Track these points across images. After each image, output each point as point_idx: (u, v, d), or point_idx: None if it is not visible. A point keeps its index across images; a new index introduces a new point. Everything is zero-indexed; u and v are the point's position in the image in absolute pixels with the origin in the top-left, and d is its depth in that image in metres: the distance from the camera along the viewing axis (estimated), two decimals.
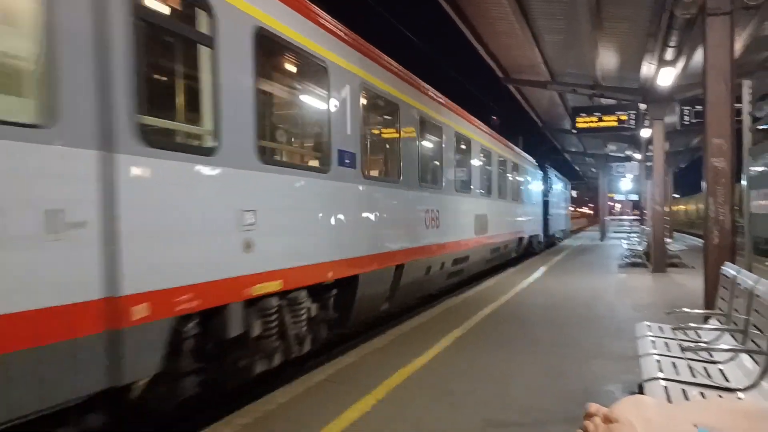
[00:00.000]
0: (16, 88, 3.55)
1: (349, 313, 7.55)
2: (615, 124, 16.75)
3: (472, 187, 13.86)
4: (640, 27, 12.03)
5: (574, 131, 17.91)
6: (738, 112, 7.21)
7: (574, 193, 52.99)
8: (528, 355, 6.68)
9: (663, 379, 3.61)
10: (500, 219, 16.83)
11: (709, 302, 6.61)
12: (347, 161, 7.25)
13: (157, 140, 4.34)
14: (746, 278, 4.30)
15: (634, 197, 40.39)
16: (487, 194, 15.44)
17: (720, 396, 3.39)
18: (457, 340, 7.42)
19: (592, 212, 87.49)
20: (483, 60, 15.49)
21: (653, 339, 4.72)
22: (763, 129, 6.77)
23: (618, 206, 55.20)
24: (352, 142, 7.41)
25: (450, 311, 9.68)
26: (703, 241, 7.57)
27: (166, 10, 4.82)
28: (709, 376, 3.82)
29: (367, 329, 9.06)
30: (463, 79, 24.00)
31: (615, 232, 33.71)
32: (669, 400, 3.24)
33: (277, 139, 6.69)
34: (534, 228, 23.28)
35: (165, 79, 5.08)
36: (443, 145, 11.52)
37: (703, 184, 7.31)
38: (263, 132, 5.78)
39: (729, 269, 5.04)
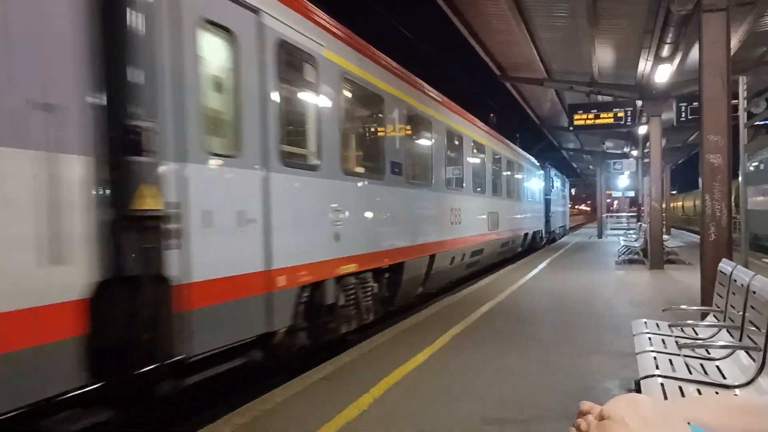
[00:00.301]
0: (223, 133, 5.33)
1: (396, 292, 9.27)
2: (612, 121, 16.75)
3: (486, 188, 15.70)
4: (637, 23, 12.03)
5: (571, 128, 17.91)
6: (734, 109, 7.23)
7: (572, 191, 54.82)
8: (526, 351, 6.69)
9: (660, 376, 3.62)
10: (509, 216, 18.58)
11: (706, 299, 6.63)
12: (396, 170, 9.16)
13: (289, 162, 6.16)
14: (742, 274, 4.31)
15: (631, 194, 40.45)
16: (498, 194, 17.13)
17: (717, 393, 3.40)
18: (455, 338, 7.42)
19: (589, 209, 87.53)
20: (480, 58, 15.49)
21: (650, 336, 4.72)
22: (758, 125, 6.78)
23: (616, 203, 55.30)
24: (400, 155, 9.37)
25: (448, 309, 9.69)
26: (700, 237, 7.59)
27: (294, 71, 6.55)
28: (705, 372, 3.83)
29: (365, 328, 9.06)
30: (462, 78, 24.09)
31: (612, 228, 33.75)
32: (665, 397, 3.25)
33: (351, 157, 8.25)
34: (537, 225, 24.90)
35: (292, 119, 6.68)
36: (463, 152, 13.44)
37: (700, 181, 7.32)
38: (345, 152, 7.65)
39: (725, 266, 5.05)
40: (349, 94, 7.79)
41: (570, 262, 18.13)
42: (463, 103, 14.08)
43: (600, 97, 18.13)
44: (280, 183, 5.81)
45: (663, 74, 13.28)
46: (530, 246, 23.38)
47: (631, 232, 25.29)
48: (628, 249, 18.65)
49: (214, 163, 5.02)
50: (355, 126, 8.49)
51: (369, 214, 8.15)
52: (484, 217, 15.21)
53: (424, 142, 11.02)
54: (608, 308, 9.55)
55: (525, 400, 4.95)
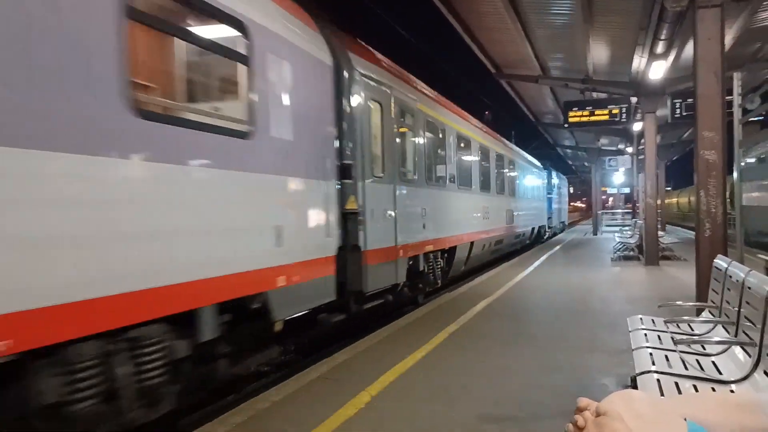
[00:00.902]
0: (377, 164, 8.35)
1: (451, 268, 12.47)
2: (607, 117, 16.77)
3: (505, 190, 19.04)
4: (631, 20, 12.04)
5: (566, 126, 17.93)
6: (729, 105, 7.24)
7: (570, 189, 57.28)
8: (522, 349, 6.70)
9: (656, 372, 3.62)
10: (521, 213, 21.80)
11: (702, 295, 6.64)
12: (451, 179, 12.75)
13: (403, 178, 9.47)
14: (737, 270, 4.31)
15: (626, 191, 40.55)
16: (512, 195, 20.38)
17: (713, 389, 3.40)
18: (452, 336, 7.43)
19: (584, 206, 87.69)
20: (475, 56, 15.49)
21: (646, 332, 4.73)
22: (753, 121, 6.79)
23: (611, 200, 55.45)
24: (454, 168, 12.95)
25: (444, 307, 9.70)
26: (695, 233, 7.60)
27: (404, 120, 9.82)
28: (701, 368, 3.84)
29: (361, 327, 9.06)
30: (457, 75, 24.45)
31: (608, 225, 33.79)
32: (662, 393, 3.25)
33: (429, 171, 11.22)
34: (542, 220, 28.67)
35: (402, 150, 9.83)
36: (491, 162, 16.93)
37: (695, 177, 7.33)
38: (426, 169, 10.85)
39: (721, 261, 5.06)
40: (428, 130, 11.16)
41: (565, 259, 18.16)
42: (459, 101, 14.26)
43: (595, 94, 18.16)
44: (400, 191, 9.13)
45: (657, 71, 13.31)
46: (536, 238, 26.78)
47: (626, 228, 25.38)
48: (624, 245, 18.69)
49: (374, 182, 8.15)
50: (430, 150, 11.51)
51: (438, 211, 11.29)
52: (504, 214, 18.60)
53: (466, 157, 14.32)
54: (604, 305, 9.56)
55: (522, 398, 4.95)
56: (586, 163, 41.42)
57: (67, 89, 3.51)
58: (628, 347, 4.75)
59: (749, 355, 3.60)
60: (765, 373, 3.25)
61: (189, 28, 5.13)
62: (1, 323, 3.08)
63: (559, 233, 35.47)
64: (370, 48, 9.33)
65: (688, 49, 11.87)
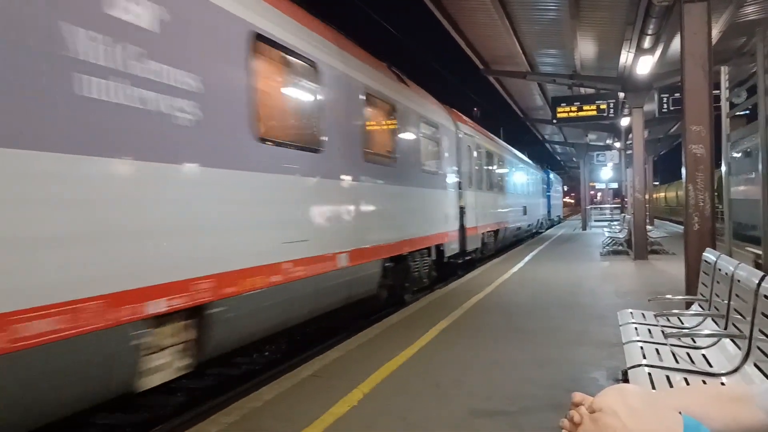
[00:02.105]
0: (468, 179, 15.10)
1: (495, 244, 19.07)
2: (594, 113, 16.83)
3: (521, 190, 26.25)
4: (618, 15, 12.08)
5: (555, 121, 17.98)
6: (716, 99, 7.28)
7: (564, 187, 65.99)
8: (513, 343, 6.72)
9: (647, 365, 3.63)
10: (530, 208, 28.72)
11: (691, 288, 6.68)
12: (495, 185, 19.48)
13: (477, 188, 16.19)
14: (726, 263, 4.34)
15: (615, 185, 40.78)
16: (524, 194, 27.14)
17: (703, 381, 3.42)
18: (443, 331, 7.43)
19: (573, 201, 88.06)
20: (463, 52, 15.50)
21: (636, 326, 4.75)
22: (739, 115, 6.83)
23: (600, 195, 55.69)
24: (496, 177, 19.80)
25: (436, 303, 9.71)
26: (683, 227, 7.65)
27: (467, 146, 15.38)
28: (692, 361, 3.86)
29: (353, 322, 9.05)
30: (446, 73, 25.19)
31: (596, 220, 33.98)
32: (653, 386, 3.27)
33: (484, 181, 17.53)
34: (543, 214, 36.46)
35: (472, 167, 15.89)
36: (512, 170, 23.89)
37: (683, 171, 7.37)
38: (484, 180, 17.45)
39: (709, 255, 5.09)
40: (486, 157, 18.05)
41: (555, 254, 18.24)
42: (446, 98, 14.51)
43: (583, 90, 18.21)
44: (477, 195, 15.77)
45: (645, 66, 13.36)
46: (538, 229, 33.40)
47: (615, 223, 25.55)
48: (613, 240, 18.79)
49: (467, 190, 14.67)
50: (486, 169, 17.98)
51: (490, 207, 17.90)
52: (521, 209, 25.32)
53: (502, 170, 21.21)
54: (594, 299, 9.61)
55: (513, 392, 4.96)
56: (574, 159, 41.62)
57: (229, 130, 5.42)
58: (618, 340, 4.77)
59: (739, 348, 3.63)
60: (755, 365, 3.28)
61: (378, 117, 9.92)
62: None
63: (556, 224, 43.35)
64: (464, 116, 16.75)
65: (675, 43, 11.94)
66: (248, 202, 5.62)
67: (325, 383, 5.39)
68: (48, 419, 3.76)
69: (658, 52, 13.01)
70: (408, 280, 10.53)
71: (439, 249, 12.34)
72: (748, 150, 15.95)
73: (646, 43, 11.88)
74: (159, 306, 4.32)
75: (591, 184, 41.57)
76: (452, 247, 13.18)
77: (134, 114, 4.21)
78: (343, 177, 7.66)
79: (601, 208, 40.61)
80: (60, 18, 3.68)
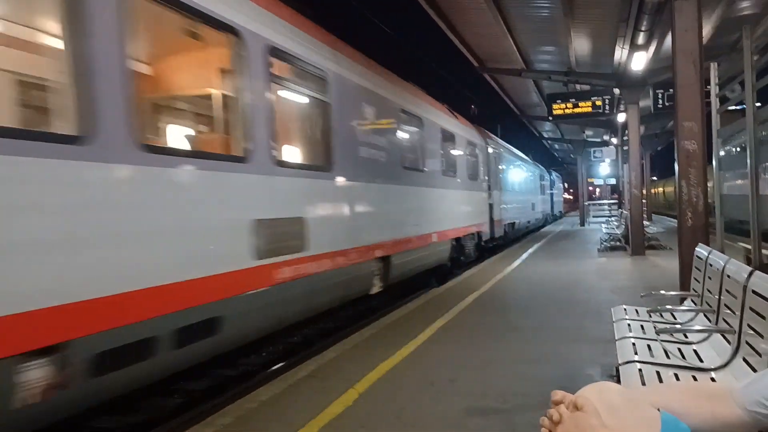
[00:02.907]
0: (495, 182, 19.52)
1: (513, 233, 23.23)
2: (590, 109, 16.87)
3: (531, 190, 30.75)
4: (612, 12, 12.09)
5: (551, 118, 18.00)
6: (708, 95, 7.30)
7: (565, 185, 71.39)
8: (509, 341, 6.74)
9: (638, 361, 3.65)
10: (537, 205, 33.74)
11: (685, 283, 6.70)
12: (510, 186, 23.42)
13: (500, 188, 20.31)
14: (717, 259, 4.36)
15: (612, 181, 40.81)
16: (533, 193, 31.98)
17: (693, 376, 3.44)
18: (439, 330, 7.45)
19: (571, 197, 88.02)
20: (458, 50, 15.50)
21: (629, 322, 4.77)
22: (735, 110, 6.85)
23: (598, 191, 55.76)
24: (513, 179, 24.60)
25: (432, 302, 9.73)
26: (677, 223, 7.67)
27: (494, 157, 20.06)
28: (683, 357, 3.88)
29: (349, 323, 9.08)
30: (443, 72, 25.92)
31: (594, 216, 34.02)
32: (643, 382, 3.29)
33: (515, 186, 25.01)
34: (548, 209, 41.62)
35: (499, 173, 21.15)
36: (526, 172, 29.02)
37: (676, 167, 7.39)
38: (512, 184, 24.15)
39: (701, 250, 5.11)
40: (502, 160, 21.48)
41: (553, 251, 18.27)
42: (442, 96, 14.60)
43: (578, 87, 18.22)
44: (499, 195, 19.91)
45: (639, 62, 13.37)
46: (544, 222, 37.64)
47: (613, 219, 25.60)
48: (610, 236, 18.83)
49: (496, 191, 19.23)
50: (507, 172, 22.27)
51: (509, 203, 21.57)
52: (530, 205, 29.94)
53: (515, 173, 25.68)
54: (590, 295, 9.63)
55: (508, 390, 4.98)
56: (571, 155, 41.67)
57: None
58: (613, 337, 4.79)
59: (729, 343, 3.65)
60: (744, 360, 3.30)
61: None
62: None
63: (558, 218, 48.03)
64: (489, 132, 21.20)
65: (669, 40, 11.94)
66: (415, 201, 11.22)
67: (321, 383, 5.41)
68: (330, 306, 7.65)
69: (652, 49, 13.03)
70: (463, 255, 15.00)
71: (479, 235, 16.91)
72: (744, 145, 15.98)
73: (640, 39, 11.90)
74: (378, 253, 9.01)
75: (589, 180, 41.62)
76: (486, 234, 17.74)
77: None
78: (433, 188, 12.51)
79: (599, 204, 40.64)
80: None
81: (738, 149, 16.64)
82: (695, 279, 5.27)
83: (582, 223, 33.08)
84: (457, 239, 14.19)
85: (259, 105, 5.99)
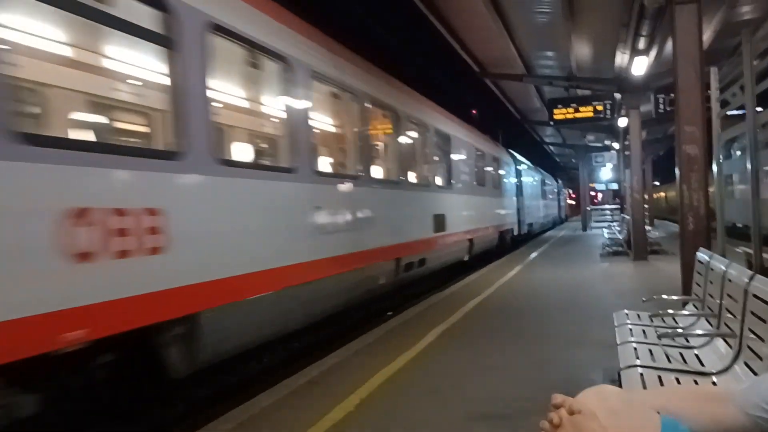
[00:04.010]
0: (520, 191, 25.98)
1: (532, 231, 28.80)
2: (591, 114, 16.86)
3: (544, 197, 36.20)
4: (613, 17, 12.12)
5: (552, 123, 18.00)
6: (708, 99, 7.30)
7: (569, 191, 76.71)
8: (512, 346, 6.73)
9: (640, 366, 3.65)
10: (548, 209, 39.46)
11: (687, 288, 6.70)
12: (530, 194, 28.95)
13: (524, 195, 26.61)
14: (718, 263, 4.36)
15: (614, 186, 40.76)
16: (546, 199, 37.67)
17: (695, 381, 3.44)
18: (442, 335, 7.45)
19: (573, 202, 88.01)
20: (459, 55, 15.52)
21: (631, 327, 4.77)
22: (736, 115, 6.84)
23: (600, 195, 55.75)
24: (531, 188, 30.06)
25: (434, 307, 9.72)
26: (679, 227, 7.67)
27: (503, 163, 22.59)
28: (684, 361, 3.88)
29: (351, 328, 9.06)
30: (442, 75, 26.48)
31: (596, 221, 33.97)
32: (644, 386, 3.29)
33: (527, 190, 28.30)
34: (555, 213, 46.92)
35: (524, 185, 27.62)
36: (539, 183, 34.06)
37: (677, 171, 7.39)
38: (527, 189, 28.09)
39: (703, 255, 5.11)
40: (525, 173, 27.22)
41: (555, 256, 18.25)
42: (442, 101, 14.62)
43: (579, 91, 18.24)
44: (524, 201, 25.92)
45: (640, 67, 13.38)
46: (553, 224, 42.66)
47: (615, 224, 25.62)
48: (612, 241, 18.80)
49: (521, 197, 25.25)
50: (527, 183, 27.85)
51: (529, 208, 27.42)
52: (543, 210, 35.65)
53: (533, 183, 30.87)
54: (593, 300, 9.62)
55: (511, 395, 4.97)
56: (573, 160, 41.68)
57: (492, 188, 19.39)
58: (615, 341, 4.78)
59: (730, 347, 3.64)
60: (745, 363, 3.29)
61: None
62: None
63: (565, 221, 53.45)
64: (515, 153, 26.10)
65: (669, 44, 11.95)
66: (481, 206, 17.21)
67: (323, 389, 5.41)
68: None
69: (653, 53, 13.05)
70: (504, 243, 20.66)
71: (512, 231, 22.44)
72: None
73: (641, 44, 11.91)
74: (468, 236, 15.21)
75: (591, 185, 41.61)
76: (516, 231, 23.26)
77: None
78: (491, 197, 18.94)
79: (601, 209, 40.56)
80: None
81: (739, 153, 16.66)
82: (697, 283, 5.26)
83: (584, 228, 33.04)
84: (501, 232, 20.24)
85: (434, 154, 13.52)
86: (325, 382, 5.67)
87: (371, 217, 8.68)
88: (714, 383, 3.36)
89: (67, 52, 5.28)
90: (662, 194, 53.21)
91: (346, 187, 8.03)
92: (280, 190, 6.38)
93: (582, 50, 14.63)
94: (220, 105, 6.54)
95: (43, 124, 5.00)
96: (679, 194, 7.32)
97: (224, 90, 6.92)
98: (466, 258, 15.13)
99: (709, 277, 4.63)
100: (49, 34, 5.01)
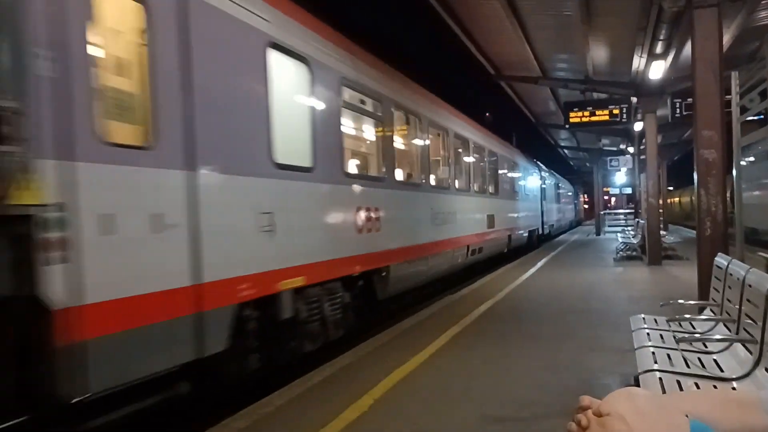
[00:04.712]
0: (543, 195, 29.15)
1: (552, 232, 32.91)
2: (607, 118, 16.76)
3: (564, 201, 40.94)
4: (630, 21, 12.05)
5: (567, 126, 17.92)
6: (728, 104, 7.24)
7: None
8: (525, 349, 6.70)
9: (658, 370, 3.63)
10: (566, 213, 42.57)
11: (703, 293, 6.64)
12: (552, 198, 33.26)
13: (546, 200, 30.23)
14: (738, 268, 4.32)
15: (628, 191, 40.52)
16: (565, 203, 41.38)
17: (714, 386, 3.41)
18: (455, 337, 7.43)
19: (586, 206, 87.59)
20: (474, 58, 15.49)
21: (648, 331, 4.73)
22: (752, 120, 6.78)
23: (614, 200, 55.46)
24: (552, 192, 33.19)
25: (448, 308, 9.70)
26: (696, 232, 7.61)
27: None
28: (703, 366, 3.85)
29: (364, 329, 9.06)
30: (458, 78, 26.75)
31: (610, 225, 33.76)
32: (664, 391, 3.26)
33: (548, 193, 31.91)
34: (573, 216, 50.32)
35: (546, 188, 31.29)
36: (558, 188, 37.00)
37: (695, 176, 7.33)
38: (549, 193, 32.43)
39: (721, 260, 5.06)
40: (547, 179, 30.93)
41: (569, 260, 18.16)
42: (458, 104, 14.61)
43: (595, 95, 18.15)
44: (544, 205, 28.88)
45: (657, 71, 13.31)
46: (570, 226, 45.89)
47: (629, 228, 25.43)
48: (626, 246, 18.68)
49: (544, 202, 28.94)
50: (549, 188, 31.27)
51: (550, 211, 31.36)
52: (562, 213, 38.90)
53: (555, 189, 35.18)
54: (607, 305, 9.56)
55: (525, 398, 4.96)
56: (587, 164, 41.51)
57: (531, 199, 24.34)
58: (630, 346, 4.75)
59: (750, 353, 3.61)
60: (766, 369, 3.26)
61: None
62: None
63: (580, 223, 56.28)
64: (539, 162, 29.31)
65: (687, 48, 11.85)
66: (517, 209, 21.38)
67: (336, 389, 5.42)
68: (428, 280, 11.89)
69: (670, 57, 12.96)
70: (531, 241, 23.75)
71: (537, 231, 25.49)
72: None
73: (658, 48, 11.84)
74: (507, 233, 19.04)
75: (605, 189, 41.42)
76: (540, 231, 26.24)
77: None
78: (524, 201, 22.80)
79: (615, 213, 40.29)
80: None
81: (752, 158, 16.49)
82: (714, 288, 5.22)
83: (597, 233, 32.85)
84: (530, 232, 23.62)
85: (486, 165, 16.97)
86: (338, 381, 5.68)
87: (456, 216, 12.84)
88: (734, 388, 3.33)
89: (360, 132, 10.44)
90: (676, 199, 52.85)
91: (443, 195, 12.29)
92: (426, 200, 10.99)
93: (599, 53, 14.55)
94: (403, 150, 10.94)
95: (354, 167, 9.34)
96: (697, 199, 7.27)
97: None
98: (505, 250, 18.64)
99: (728, 282, 4.59)
100: (356, 125, 10.12)
